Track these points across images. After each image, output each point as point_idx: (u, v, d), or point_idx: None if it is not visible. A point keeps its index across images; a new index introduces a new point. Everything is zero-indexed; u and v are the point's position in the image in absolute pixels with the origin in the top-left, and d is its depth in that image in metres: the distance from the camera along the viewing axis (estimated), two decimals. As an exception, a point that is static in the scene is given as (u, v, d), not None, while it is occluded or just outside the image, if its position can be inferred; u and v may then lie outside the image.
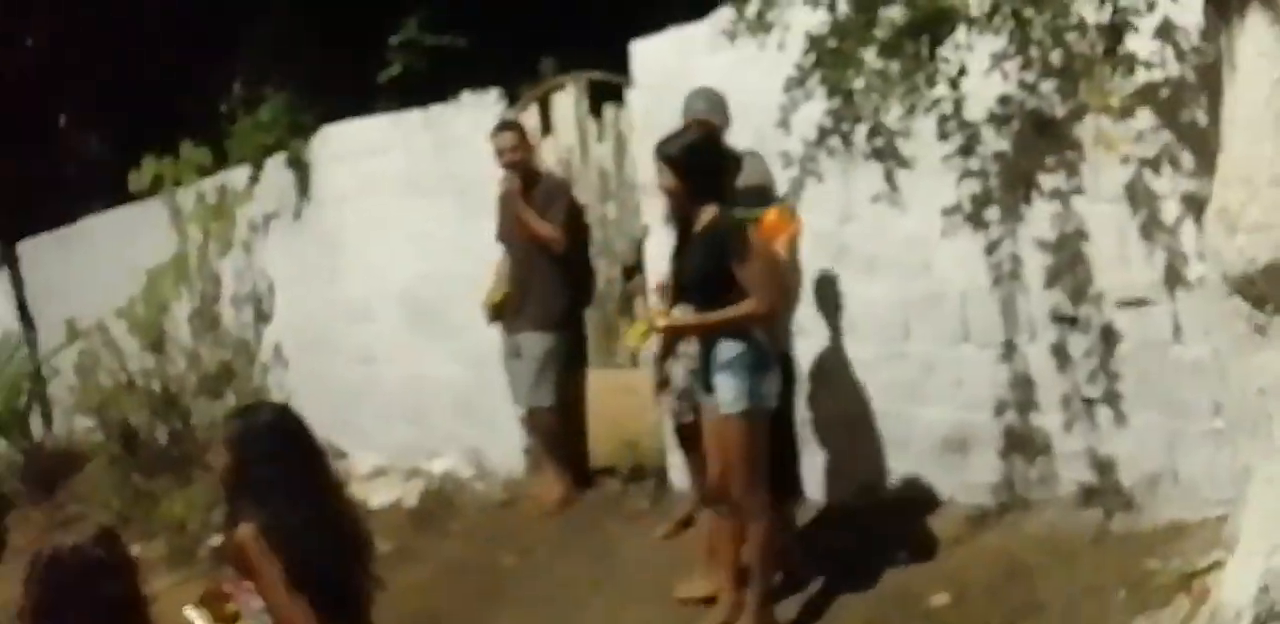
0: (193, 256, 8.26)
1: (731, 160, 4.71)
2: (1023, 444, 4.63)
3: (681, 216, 4.55)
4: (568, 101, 6.40)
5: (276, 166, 7.75)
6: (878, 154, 4.54)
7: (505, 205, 6.17)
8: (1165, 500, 4.25)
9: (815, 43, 4.31)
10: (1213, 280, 3.56)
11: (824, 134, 4.49)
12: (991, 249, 4.64)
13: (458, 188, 6.70)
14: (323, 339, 7.64)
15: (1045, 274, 4.50)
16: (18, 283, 10.69)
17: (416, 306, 7.04)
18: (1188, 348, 4.19)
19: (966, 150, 4.57)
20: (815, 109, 4.44)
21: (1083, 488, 4.48)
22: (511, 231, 6.16)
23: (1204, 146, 3.87)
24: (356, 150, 7.28)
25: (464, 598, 5.61)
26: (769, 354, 4.36)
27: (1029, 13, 3.91)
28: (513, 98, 6.58)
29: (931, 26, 4.10)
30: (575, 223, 6.17)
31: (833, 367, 5.18)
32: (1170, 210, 4.17)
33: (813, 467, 5.17)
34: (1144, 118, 4.18)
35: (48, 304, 10.28)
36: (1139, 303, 4.27)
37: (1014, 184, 4.55)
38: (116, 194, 8.83)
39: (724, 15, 4.76)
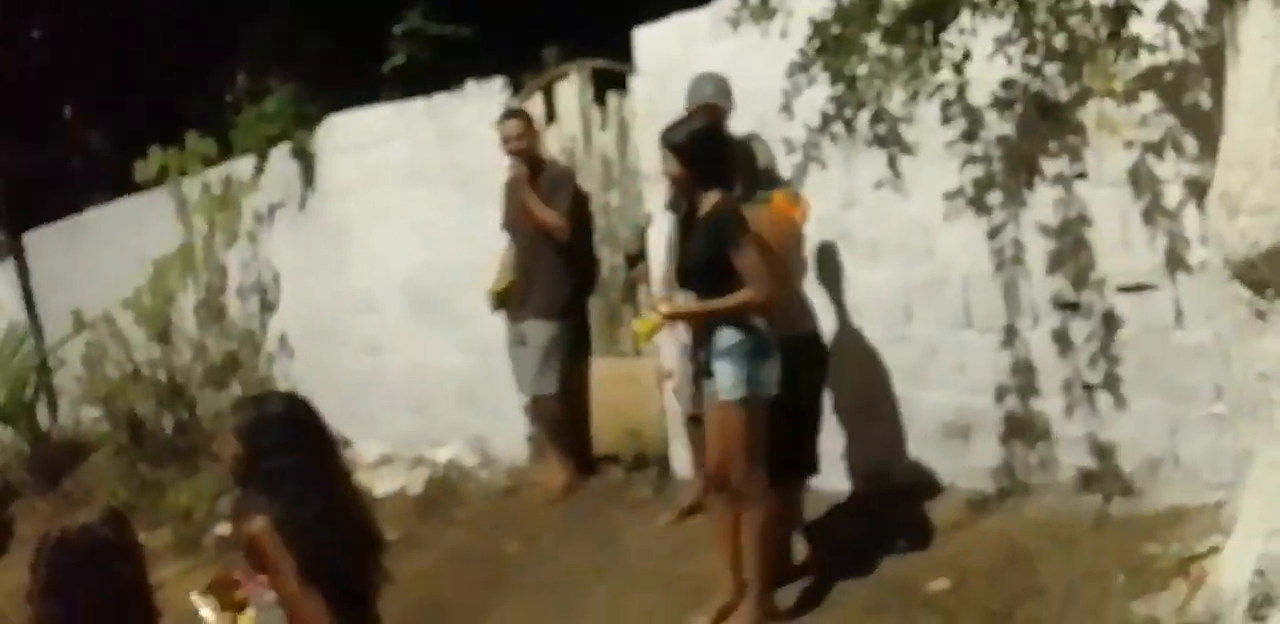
0: (198, 247, 8.29)
1: (736, 146, 4.71)
2: (1023, 429, 4.63)
3: (688, 203, 4.56)
4: (571, 90, 6.40)
5: (281, 157, 7.76)
6: (880, 140, 4.54)
7: (511, 193, 6.18)
8: (1165, 485, 4.24)
9: (818, 28, 4.31)
10: (1214, 264, 3.56)
11: (827, 120, 4.48)
12: (994, 234, 4.63)
13: (462, 177, 6.71)
14: (328, 329, 7.65)
15: (1048, 259, 4.49)
16: (24, 274, 10.73)
17: (421, 296, 7.06)
18: (1189, 332, 4.18)
19: (969, 135, 4.57)
20: (818, 95, 4.44)
21: (1082, 473, 4.47)
22: (517, 220, 6.16)
23: (1208, 130, 3.86)
24: (361, 140, 7.29)
25: (468, 585, 5.63)
26: (769, 341, 4.36)
27: (1032, -4, 3.92)
28: (516, 86, 6.58)
29: (935, 11, 4.10)
30: (580, 211, 6.17)
31: (836, 351, 5.17)
32: (1173, 194, 4.16)
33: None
34: (1148, 102, 4.17)
35: (54, 295, 10.31)
36: (1141, 287, 4.26)
37: (1017, 169, 4.54)
38: (122, 185, 8.86)
39: (726, 2, 4.75)
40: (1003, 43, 4.25)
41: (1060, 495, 4.50)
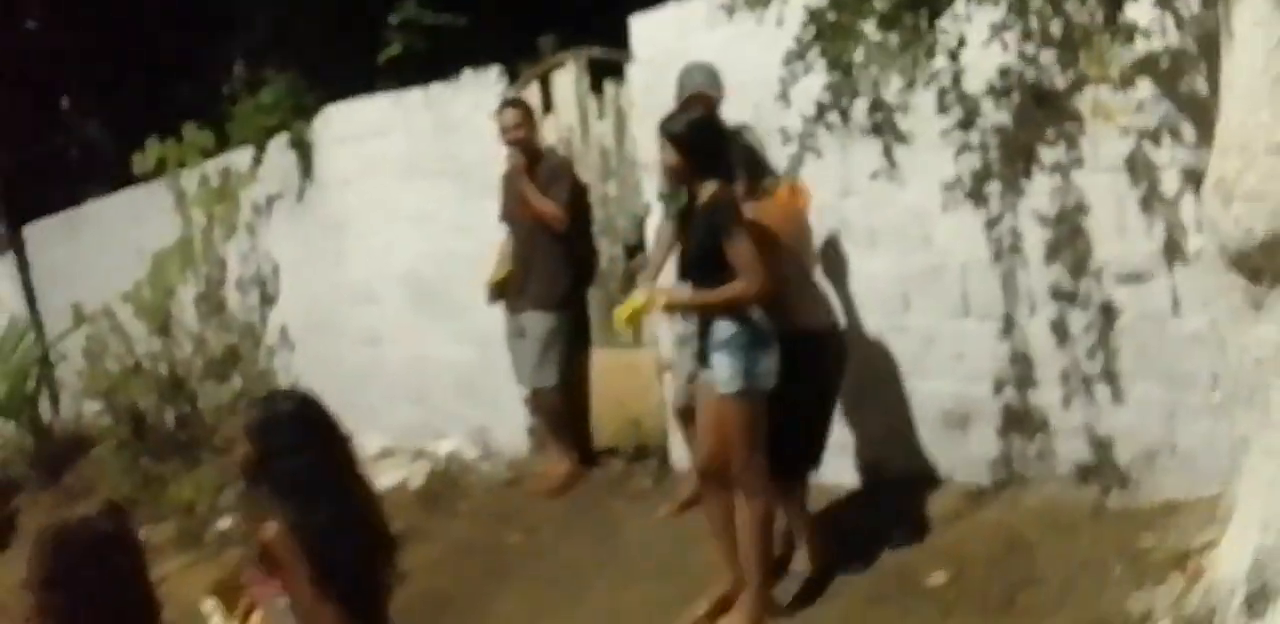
0: (197, 240, 8.29)
1: (732, 136, 4.70)
2: (1021, 420, 4.61)
3: (688, 194, 4.54)
4: (568, 79, 6.38)
5: (279, 148, 7.75)
6: (877, 128, 4.51)
7: (509, 184, 6.16)
8: (1162, 476, 4.22)
9: (814, 16, 4.28)
10: (1209, 252, 3.54)
11: (823, 109, 4.45)
12: (991, 222, 4.61)
13: (459, 168, 6.69)
14: (328, 321, 7.65)
15: (1045, 247, 4.47)
16: (24, 267, 10.74)
17: (420, 287, 7.05)
18: (1186, 320, 4.16)
19: (966, 123, 4.53)
20: (814, 84, 4.41)
21: (1080, 465, 4.45)
22: (515, 210, 6.14)
23: (1204, 117, 3.82)
24: (358, 131, 7.27)
25: (470, 577, 5.64)
26: (766, 333, 4.34)
27: (1027, -19, 3.89)
28: (513, 76, 6.56)
29: (929, -3, 4.08)
30: (578, 201, 6.15)
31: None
32: (1170, 182, 4.13)
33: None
34: (1144, 88, 4.13)
35: (54, 288, 10.32)
36: (1138, 276, 4.24)
37: (1013, 157, 4.51)
38: (120, 177, 8.85)
39: (722, -10, 4.72)
40: (998, 29, 4.22)
41: (1058, 487, 4.49)
